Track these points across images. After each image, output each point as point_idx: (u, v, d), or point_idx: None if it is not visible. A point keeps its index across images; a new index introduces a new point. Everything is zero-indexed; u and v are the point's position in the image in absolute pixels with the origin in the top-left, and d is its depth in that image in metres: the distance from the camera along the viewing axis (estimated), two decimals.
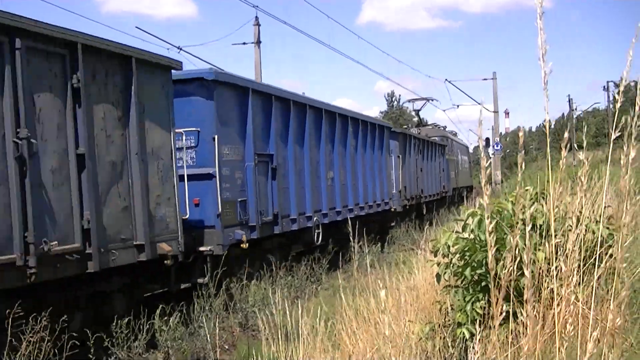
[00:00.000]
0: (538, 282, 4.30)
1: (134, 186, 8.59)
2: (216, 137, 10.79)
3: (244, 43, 27.58)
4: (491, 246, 3.61)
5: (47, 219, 7.12)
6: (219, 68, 14.39)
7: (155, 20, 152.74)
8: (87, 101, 7.77)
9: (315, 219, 14.82)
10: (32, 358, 6.38)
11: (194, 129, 10.79)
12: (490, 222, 3.69)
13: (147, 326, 8.03)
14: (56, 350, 6.74)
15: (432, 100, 36.78)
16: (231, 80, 11.53)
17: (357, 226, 17.77)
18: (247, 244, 11.21)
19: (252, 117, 11.98)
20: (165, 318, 8.37)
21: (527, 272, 3.37)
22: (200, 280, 10.30)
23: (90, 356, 7.18)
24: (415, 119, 43.11)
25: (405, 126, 37.13)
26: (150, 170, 8.95)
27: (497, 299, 3.49)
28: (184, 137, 10.51)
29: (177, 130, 9.85)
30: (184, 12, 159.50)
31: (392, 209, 21.67)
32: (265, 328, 5.90)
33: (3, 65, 6.74)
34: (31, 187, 6.86)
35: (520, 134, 3.74)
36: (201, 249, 10.56)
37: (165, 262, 9.07)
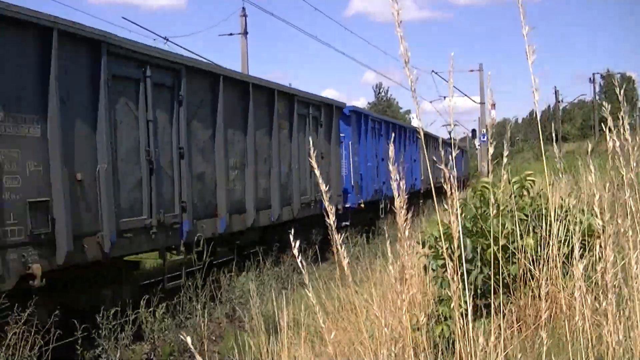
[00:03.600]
0: (525, 273, 4.32)
1: None
2: None
3: (231, 34, 27.50)
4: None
5: None
6: (206, 59, 14.18)
7: (143, 11, 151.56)
8: None
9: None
10: (18, 349, 6.34)
11: None
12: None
13: (134, 317, 8.01)
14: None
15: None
16: None
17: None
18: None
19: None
20: (151, 309, 8.34)
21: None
22: None
23: (78, 347, 7.15)
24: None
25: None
26: None
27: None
28: None
29: None
30: (173, 3, 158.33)
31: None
32: (251, 320, 5.89)
33: None
34: None
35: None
36: None
37: None
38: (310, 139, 4.87)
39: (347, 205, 17.90)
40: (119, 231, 8.36)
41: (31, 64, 7.18)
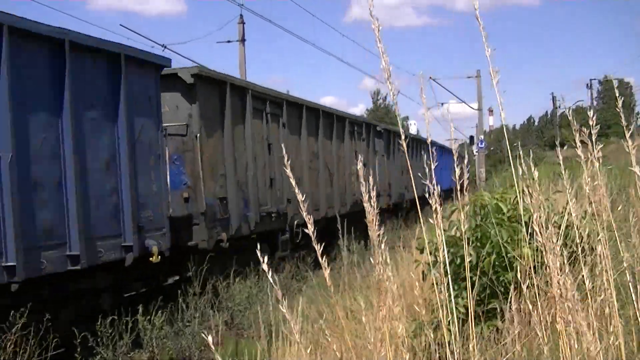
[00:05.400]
0: (523, 279, 4.31)
1: None
2: None
3: (229, 41, 27.53)
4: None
5: None
6: (202, 65, 14.28)
7: (143, 18, 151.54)
8: None
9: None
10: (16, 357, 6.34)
11: None
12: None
13: (132, 325, 7.99)
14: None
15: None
16: None
17: None
18: None
19: None
20: (149, 317, 8.32)
21: None
22: None
23: (77, 355, 7.13)
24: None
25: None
26: None
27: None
28: None
29: None
30: (174, 9, 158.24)
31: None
32: (250, 327, 5.89)
33: None
34: None
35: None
36: None
37: None
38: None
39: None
40: None
41: None
